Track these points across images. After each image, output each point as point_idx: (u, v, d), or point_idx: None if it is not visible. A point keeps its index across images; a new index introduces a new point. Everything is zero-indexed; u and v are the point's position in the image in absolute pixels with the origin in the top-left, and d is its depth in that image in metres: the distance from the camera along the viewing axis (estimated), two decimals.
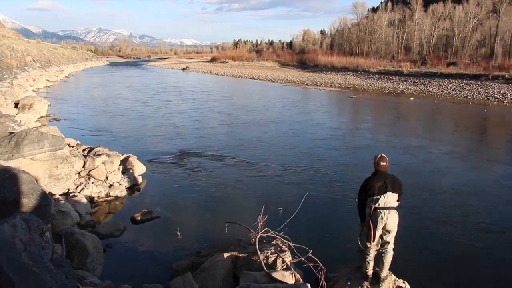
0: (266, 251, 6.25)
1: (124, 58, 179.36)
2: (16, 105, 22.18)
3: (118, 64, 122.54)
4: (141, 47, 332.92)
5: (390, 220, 5.43)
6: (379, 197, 5.40)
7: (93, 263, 6.48)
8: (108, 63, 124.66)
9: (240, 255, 6.33)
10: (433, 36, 72.52)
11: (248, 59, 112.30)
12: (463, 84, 43.40)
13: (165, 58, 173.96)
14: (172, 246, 8.03)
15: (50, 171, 9.78)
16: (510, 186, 12.28)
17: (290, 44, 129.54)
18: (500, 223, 9.41)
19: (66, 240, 6.39)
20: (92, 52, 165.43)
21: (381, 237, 5.56)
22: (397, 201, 5.54)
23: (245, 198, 10.90)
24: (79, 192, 10.15)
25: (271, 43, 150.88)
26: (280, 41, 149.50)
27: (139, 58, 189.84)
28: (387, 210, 5.40)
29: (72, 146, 13.29)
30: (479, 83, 42.85)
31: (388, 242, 5.58)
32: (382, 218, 5.41)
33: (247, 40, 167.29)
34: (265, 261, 6.01)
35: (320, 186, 11.86)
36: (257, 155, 15.29)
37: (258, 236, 6.52)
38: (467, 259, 7.70)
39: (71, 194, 9.82)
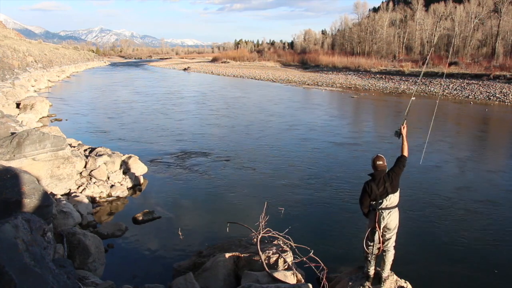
0: (267, 251, 6.25)
1: (126, 59, 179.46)
2: (18, 105, 22.23)
3: (120, 64, 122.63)
4: (143, 47, 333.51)
5: (391, 219, 5.48)
6: (381, 201, 5.42)
7: (94, 263, 6.48)
8: (110, 63, 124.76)
9: (242, 255, 6.32)
10: (434, 35, 72.43)
11: (249, 59, 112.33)
12: (465, 83, 43.38)
13: (166, 58, 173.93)
14: (173, 246, 8.05)
15: (52, 171, 9.79)
16: (511, 185, 12.29)
17: (292, 44, 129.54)
18: (502, 223, 9.40)
19: (68, 240, 6.39)
20: (94, 52, 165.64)
21: (382, 235, 5.58)
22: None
23: (247, 198, 10.89)
24: (81, 192, 10.17)
25: (272, 43, 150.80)
26: (281, 41, 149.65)
27: (141, 58, 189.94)
28: (388, 210, 5.43)
29: (74, 147, 13.30)
30: (480, 82, 42.83)
31: (389, 239, 5.60)
32: (384, 218, 5.45)
33: (248, 40, 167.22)
34: (266, 261, 6.00)
35: (322, 186, 11.85)
36: (260, 155, 15.30)
37: (259, 236, 6.52)
38: (470, 259, 7.69)
39: (72, 194, 9.83)
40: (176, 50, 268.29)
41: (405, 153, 5.67)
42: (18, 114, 19.52)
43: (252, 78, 62.32)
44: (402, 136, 5.79)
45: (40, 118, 21.76)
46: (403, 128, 5.83)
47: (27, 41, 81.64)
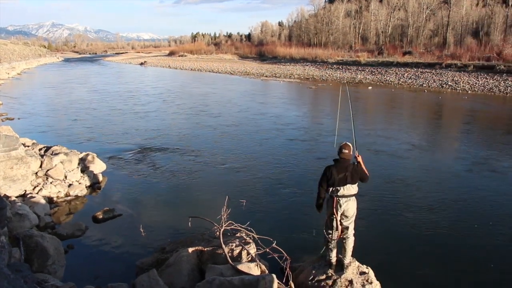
0: (230, 244, 6.26)
1: (80, 54, 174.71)
2: None
3: (74, 60, 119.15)
4: (97, 42, 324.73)
5: (349, 207, 5.60)
6: (339, 188, 5.51)
7: (54, 265, 6.31)
8: (63, 59, 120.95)
9: (205, 249, 6.31)
10: (388, 26, 74.05)
11: (206, 52, 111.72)
12: (419, 72, 44.66)
13: (122, 53, 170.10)
14: (135, 244, 7.93)
15: (5, 173, 9.44)
16: (465, 169, 12.75)
17: (249, 36, 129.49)
18: (460, 209, 9.75)
19: (25, 243, 6.19)
20: (46, 48, 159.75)
21: (340, 223, 5.69)
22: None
23: (208, 191, 10.86)
24: (37, 193, 9.85)
25: (229, 36, 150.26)
26: (238, 33, 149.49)
27: (95, 53, 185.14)
28: (346, 198, 5.54)
29: (28, 146, 12.86)
30: (433, 71, 44.21)
31: (348, 227, 5.73)
32: (341, 206, 5.56)
33: (205, 33, 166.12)
34: (230, 254, 6.02)
35: (282, 177, 11.96)
36: (219, 149, 15.27)
37: (222, 229, 6.52)
38: (428, 245, 7.96)
39: (28, 196, 9.51)
40: (132, 45, 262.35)
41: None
42: None
43: (210, 71, 61.93)
44: (360, 163, 5.72)
45: None
46: (358, 156, 5.78)
47: None
